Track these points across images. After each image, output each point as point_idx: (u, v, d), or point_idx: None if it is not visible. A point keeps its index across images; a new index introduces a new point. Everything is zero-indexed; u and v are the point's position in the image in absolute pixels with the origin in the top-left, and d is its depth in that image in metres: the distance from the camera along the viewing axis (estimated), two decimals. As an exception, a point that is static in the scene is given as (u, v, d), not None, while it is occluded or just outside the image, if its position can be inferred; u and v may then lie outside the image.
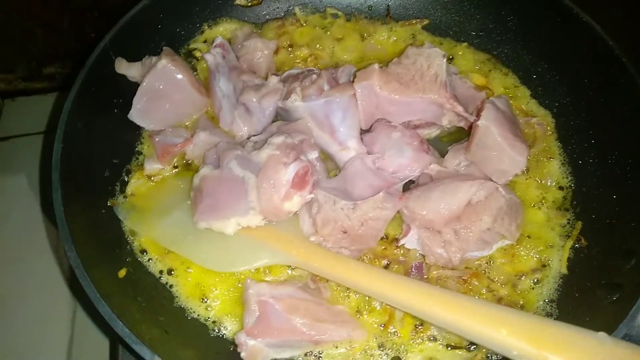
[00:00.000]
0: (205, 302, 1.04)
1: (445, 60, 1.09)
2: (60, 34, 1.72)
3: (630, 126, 1.09)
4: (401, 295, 0.92)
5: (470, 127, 1.10)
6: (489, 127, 1.03)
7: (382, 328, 1.01)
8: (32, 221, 1.56)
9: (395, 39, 1.37)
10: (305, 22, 1.40)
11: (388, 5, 1.42)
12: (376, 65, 1.11)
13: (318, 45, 1.36)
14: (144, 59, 1.19)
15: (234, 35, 1.35)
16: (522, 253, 1.08)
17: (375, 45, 1.38)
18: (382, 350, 0.99)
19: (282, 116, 1.20)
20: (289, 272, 1.07)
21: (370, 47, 1.38)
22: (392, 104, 1.10)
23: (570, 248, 1.08)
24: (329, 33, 1.38)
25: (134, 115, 1.16)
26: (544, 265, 1.07)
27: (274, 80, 1.19)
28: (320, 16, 1.41)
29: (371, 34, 1.39)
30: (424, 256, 1.06)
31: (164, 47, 1.21)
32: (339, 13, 1.41)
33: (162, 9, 1.26)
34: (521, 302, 1.04)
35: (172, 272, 1.06)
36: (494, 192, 1.03)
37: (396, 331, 1.01)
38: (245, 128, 1.18)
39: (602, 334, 0.82)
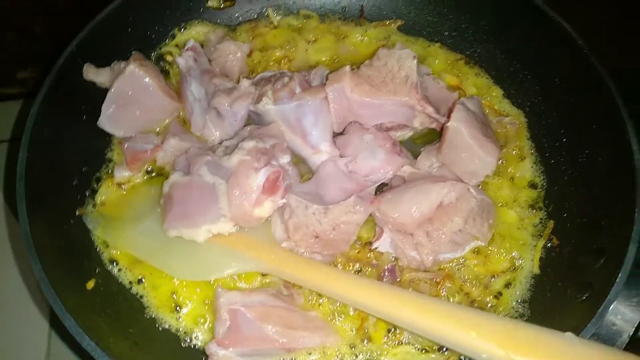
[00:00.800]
0: (177, 312, 1.03)
1: (416, 61, 1.09)
2: (34, 38, 1.69)
3: (600, 126, 1.09)
4: (372, 300, 0.92)
5: (442, 129, 1.10)
6: (459, 128, 1.03)
7: (355, 333, 1.01)
8: (9, 230, 1.53)
9: (368, 39, 1.37)
10: (278, 24, 1.39)
11: (362, 6, 1.41)
12: (347, 68, 1.10)
13: (291, 47, 1.35)
14: (112, 64, 1.17)
15: (207, 38, 1.34)
16: (495, 254, 1.08)
17: (349, 46, 1.37)
18: (356, 356, 0.99)
19: (254, 120, 1.19)
20: (262, 279, 1.06)
21: (344, 48, 1.37)
22: (363, 107, 1.10)
23: (542, 247, 1.09)
24: (302, 35, 1.37)
25: (103, 122, 1.14)
26: (516, 266, 1.07)
27: (245, 83, 1.18)
28: (294, 17, 1.40)
29: (345, 35, 1.38)
30: (397, 259, 1.06)
31: (133, 52, 1.20)
32: (313, 14, 1.40)
33: (132, 12, 1.24)
34: (494, 303, 1.04)
35: (143, 282, 1.05)
36: (465, 193, 1.03)
37: (369, 336, 1.00)
38: (217, 132, 1.17)
39: (569, 334, 0.82)
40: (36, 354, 1.35)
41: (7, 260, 1.47)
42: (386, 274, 1.05)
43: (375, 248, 1.06)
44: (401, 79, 1.10)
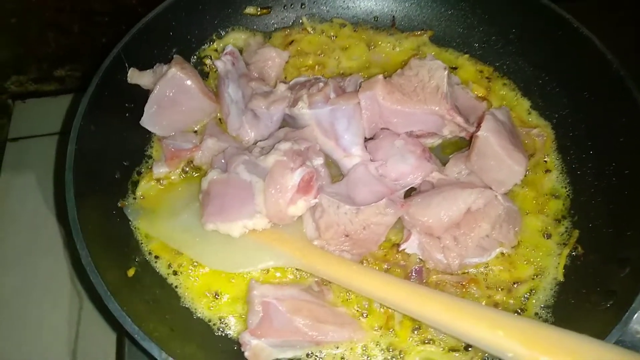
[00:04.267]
0: (210, 302, 1.07)
1: (446, 72, 1.13)
2: (71, 38, 1.75)
3: (627, 138, 1.12)
4: (400, 297, 0.95)
5: (471, 137, 1.13)
6: (489, 137, 1.06)
7: (381, 330, 1.04)
8: (40, 220, 1.59)
9: (399, 49, 1.41)
10: (312, 31, 1.44)
11: (393, 16, 1.45)
12: (380, 76, 1.14)
13: (325, 54, 1.40)
14: (155, 67, 1.23)
15: (247, 44, 1.39)
16: (520, 260, 1.11)
17: (380, 54, 1.41)
18: (381, 352, 1.02)
19: (288, 123, 1.23)
20: (294, 274, 1.10)
21: (375, 56, 1.41)
22: (394, 114, 1.13)
23: (567, 256, 1.11)
24: (335, 42, 1.42)
25: (146, 122, 1.20)
26: (540, 273, 1.10)
27: (282, 87, 1.23)
28: (328, 25, 1.44)
29: (377, 44, 1.42)
30: (423, 261, 1.09)
31: (174, 55, 1.25)
32: (346, 23, 1.44)
33: (174, 17, 1.30)
34: (518, 308, 1.06)
35: (179, 273, 1.09)
36: (493, 200, 1.06)
37: (395, 333, 1.03)
38: (252, 133, 1.22)
39: (594, 339, 0.84)
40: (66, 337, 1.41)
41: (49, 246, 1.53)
42: (413, 275, 1.08)
43: (403, 249, 1.09)
44: (432, 88, 1.14)
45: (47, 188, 1.61)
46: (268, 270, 1.09)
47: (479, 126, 1.10)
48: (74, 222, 0.96)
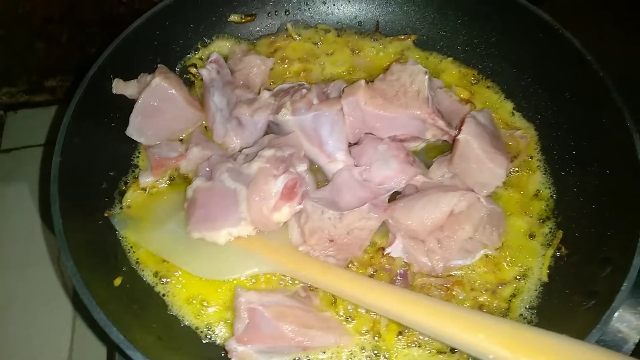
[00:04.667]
0: (197, 310, 1.07)
1: (427, 76, 1.14)
2: (61, 48, 1.76)
3: (608, 139, 1.13)
4: (384, 302, 0.96)
5: (454, 140, 1.14)
6: (469, 140, 1.07)
7: (367, 334, 1.05)
8: (32, 230, 1.60)
9: (383, 54, 1.42)
10: (297, 37, 1.45)
11: (377, 21, 1.46)
12: (362, 82, 1.15)
13: (309, 60, 1.41)
14: (139, 77, 1.24)
15: (232, 51, 1.40)
16: (504, 262, 1.11)
17: (365, 59, 1.42)
18: (367, 356, 1.03)
19: (273, 129, 1.24)
20: (280, 281, 1.10)
21: (360, 61, 1.42)
22: (377, 119, 1.14)
23: (551, 256, 1.12)
24: (320, 48, 1.43)
25: (131, 132, 1.21)
26: (525, 274, 1.11)
27: (265, 95, 1.23)
28: (312, 32, 1.45)
29: (361, 49, 1.43)
30: (408, 264, 1.10)
31: (158, 65, 1.26)
32: (330, 29, 1.46)
33: (158, 26, 1.31)
34: (502, 309, 1.07)
35: (165, 281, 1.10)
36: (476, 202, 1.07)
37: (381, 337, 1.04)
38: (238, 141, 1.23)
39: (576, 340, 0.85)
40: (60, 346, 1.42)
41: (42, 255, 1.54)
42: (398, 278, 1.09)
43: (388, 253, 1.10)
44: (413, 93, 1.15)
45: (39, 198, 1.63)
46: (254, 277, 1.09)
47: (460, 129, 1.11)
48: (59, 234, 0.96)
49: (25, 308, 1.49)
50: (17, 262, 1.54)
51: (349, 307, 1.07)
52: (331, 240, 1.06)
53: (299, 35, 1.45)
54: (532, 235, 1.15)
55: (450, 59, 1.40)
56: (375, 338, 1.04)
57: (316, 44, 1.43)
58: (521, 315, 1.07)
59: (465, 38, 1.40)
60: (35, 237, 1.60)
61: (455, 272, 1.10)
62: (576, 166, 1.20)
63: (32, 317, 1.47)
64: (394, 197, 1.14)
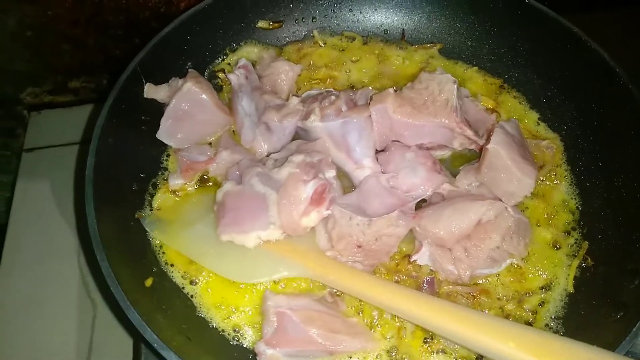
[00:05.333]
0: (225, 313, 1.08)
1: (456, 86, 1.14)
2: (85, 50, 1.79)
3: (635, 150, 1.13)
4: (411, 308, 0.97)
5: (481, 149, 1.15)
6: (498, 150, 1.08)
7: (393, 340, 1.05)
8: (54, 228, 1.62)
9: (409, 62, 1.43)
10: (323, 44, 1.46)
11: (403, 29, 1.48)
12: (391, 90, 1.16)
13: (335, 67, 1.42)
14: (170, 81, 1.26)
15: (260, 57, 1.42)
16: (530, 271, 1.12)
17: (390, 67, 1.44)
18: (394, 362, 1.04)
19: (301, 135, 1.25)
20: (308, 285, 1.11)
21: (385, 69, 1.43)
22: (405, 127, 1.15)
23: (577, 267, 1.12)
24: (346, 55, 1.45)
25: (162, 135, 1.23)
26: (550, 284, 1.11)
27: (294, 101, 1.25)
28: (338, 39, 1.47)
29: (386, 57, 1.44)
30: (435, 272, 1.10)
31: (189, 70, 1.28)
32: (356, 36, 1.47)
33: (189, 31, 1.33)
34: (528, 319, 1.08)
35: (195, 283, 1.11)
36: (503, 212, 1.07)
37: (407, 343, 1.05)
38: (266, 146, 1.24)
39: (604, 350, 0.86)
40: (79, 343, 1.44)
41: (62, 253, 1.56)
42: (425, 286, 1.09)
43: (415, 261, 1.11)
44: (442, 102, 1.15)
45: (61, 197, 1.65)
46: (283, 281, 1.11)
47: (488, 139, 1.12)
48: (94, 235, 0.98)
49: (45, 305, 1.50)
50: (38, 260, 1.56)
51: (374, 313, 1.08)
52: (359, 246, 1.07)
53: (325, 42, 1.46)
54: (557, 246, 1.15)
55: (475, 68, 1.41)
56: (401, 344, 1.05)
57: (342, 51, 1.45)
58: (547, 325, 1.07)
59: (491, 47, 1.41)
60: (56, 235, 1.61)
61: (482, 281, 1.11)
62: (602, 177, 1.20)
63: (51, 314, 1.49)
64: (420, 205, 1.15)
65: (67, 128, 1.83)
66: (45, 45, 1.76)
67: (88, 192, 1.03)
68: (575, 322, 1.06)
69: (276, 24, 1.46)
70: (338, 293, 1.09)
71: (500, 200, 1.10)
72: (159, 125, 1.22)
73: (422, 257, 1.10)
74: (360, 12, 1.49)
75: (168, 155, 1.27)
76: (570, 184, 1.23)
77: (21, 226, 1.61)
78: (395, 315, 1.06)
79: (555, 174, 1.24)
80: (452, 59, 1.43)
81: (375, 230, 1.06)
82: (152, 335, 0.89)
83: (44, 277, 1.54)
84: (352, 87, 1.38)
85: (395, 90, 1.18)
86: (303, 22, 1.48)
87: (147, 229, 1.15)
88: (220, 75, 1.39)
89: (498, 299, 1.09)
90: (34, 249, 1.59)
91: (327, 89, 1.31)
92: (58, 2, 1.60)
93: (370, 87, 1.29)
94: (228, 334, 1.07)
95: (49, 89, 1.89)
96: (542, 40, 1.33)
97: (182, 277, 1.12)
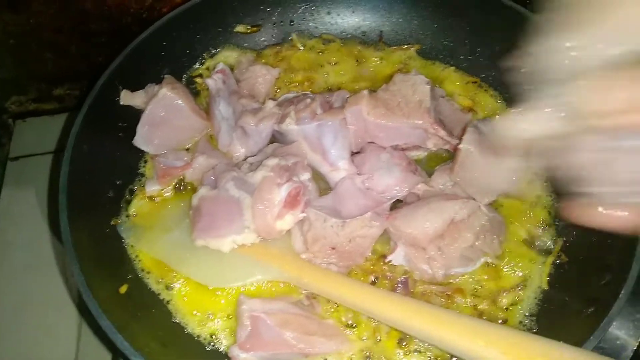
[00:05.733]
0: (201, 318, 1.09)
1: (429, 87, 1.15)
2: (69, 58, 1.79)
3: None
4: (384, 309, 0.97)
5: (455, 149, 1.15)
6: (470, 150, 1.09)
7: (368, 341, 1.06)
8: (39, 236, 1.62)
9: (386, 63, 1.44)
10: (302, 47, 1.47)
11: (381, 31, 1.48)
12: (365, 92, 1.17)
13: (314, 70, 1.43)
14: (146, 87, 1.26)
15: (238, 61, 1.43)
16: (505, 269, 1.12)
17: (368, 69, 1.44)
18: (369, 363, 1.04)
19: (277, 138, 1.26)
20: (283, 288, 1.11)
21: (363, 71, 1.44)
22: (379, 128, 1.16)
23: (551, 264, 1.13)
24: (324, 58, 1.45)
25: (138, 141, 1.23)
26: (525, 281, 1.11)
27: (270, 104, 1.26)
28: (316, 41, 1.48)
29: (365, 58, 1.45)
30: (409, 272, 1.11)
31: (165, 76, 1.29)
32: (334, 39, 1.48)
33: (165, 37, 1.33)
34: (503, 317, 1.08)
35: (171, 289, 1.12)
36: (477, 210, 1.08)
37: (382, 344, 1.05)
38: (242, 149, 1.25)
39: (573, 347, 0.86)
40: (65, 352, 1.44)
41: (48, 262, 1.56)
42: (399, 286, 1.10)
43: (390, 261, 1.11)
44: (415, 103, 1.16)
45: (46, 205, 1.65)
46: (258, 285, 1.11)
47: (461, 138, 1.13)
48: (67, 243, 0.99)
49: (31, 313, 1.50)
50: (24, 268, 1.56)
51: (350, 315, 1.08)
52: (333, 248, 1.07)
53: (304, 45, 1.47)
54: (532, 243, 1.16)
55: (452, 67, 1.41)
56: (376, 345, 1.05)
57: (320, 53, 1.45)
58: (521, 322, 1.08)
59: (468, 47, 1.41)
60: (42, 244, 1.61)
61: (456, 280, 1.11)
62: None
63: (38, 323, 1.49)
64: (395, 205, 1.15)
65: (52, 136, 1.83)
66: (28, 54, 1.76)
67: (62, 201, 1.03)
68: (548, 319, 1.06)
69: (254, 28, 1.47)
70: (314, 295, 1.09)
71: (474, 199, 1.10)
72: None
73: (397, 258, 1.10)
74: (338, 15, 1.49)
75: (146, 162, 1.28)
76: (545, 181, 1.23)
77: (7, 235, 1.61)
78: (370, 316, 1.07)
79: (531, 172, 1.24)
80: (430, 59, 1.44)
81: (349, 231, 1.07)
82: (123, 343, 0.89)
83: (29, 284, 1.54)
84: (330, 90, 1.39)
85: (370, 92, 1.18)
86: (281, 25, 1.48)
87: (123, 235, 1.16)
88: (198, 80, 1.40)
89: (472, 297, 1.09)
90: (19, 257, 1.59)
91: (303, 92, 1.32)
92: (41, 10, 1.60)
93: (345, 90, 1.30)
94: (204, 339, 1.07)
95: (33, 97, 1.89)
96: (518, 39, 1.32)
97: (157, 283, 1.12)
